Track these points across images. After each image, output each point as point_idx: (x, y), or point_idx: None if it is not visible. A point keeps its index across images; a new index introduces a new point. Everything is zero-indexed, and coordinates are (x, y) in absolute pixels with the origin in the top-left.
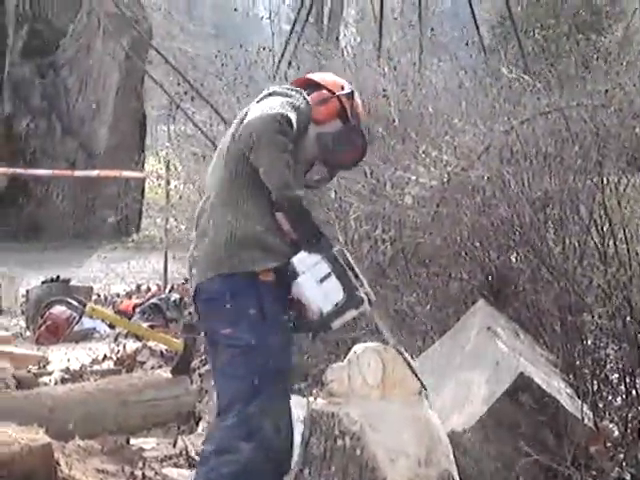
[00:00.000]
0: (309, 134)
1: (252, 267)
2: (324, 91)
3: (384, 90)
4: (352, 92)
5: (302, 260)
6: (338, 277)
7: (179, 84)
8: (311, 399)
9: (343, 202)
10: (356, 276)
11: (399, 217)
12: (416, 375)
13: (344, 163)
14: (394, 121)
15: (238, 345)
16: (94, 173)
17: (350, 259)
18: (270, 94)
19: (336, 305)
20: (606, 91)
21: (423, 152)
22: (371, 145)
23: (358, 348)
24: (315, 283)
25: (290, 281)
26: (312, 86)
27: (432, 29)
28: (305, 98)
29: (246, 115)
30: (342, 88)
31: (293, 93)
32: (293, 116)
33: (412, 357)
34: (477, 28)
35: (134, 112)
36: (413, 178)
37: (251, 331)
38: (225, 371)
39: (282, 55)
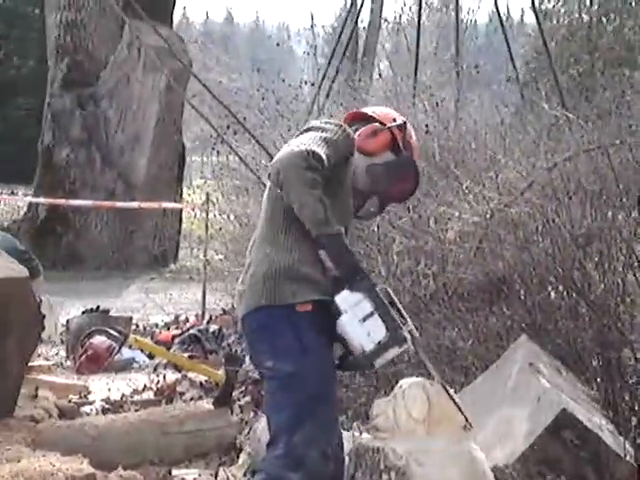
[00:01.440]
0: (359, 166)
1: (291, 299)
2: (375, 123)
3: (426, 125)
4: (404, 123)
5: (345, 299)
6: (380, 315)
7: (220, 117)
8: (356, 433)
9: (386, 237)
10: (399, 313)
11: (441, 252)
12: (461, 410)
13: (395, 195)
14: (435, 156)
15: (279, 377)
16: (134, 204)
17: (393, 296)
18: (307, 129)
19: (379, 344)
20: None
21: (465, 188)
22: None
23: (403, 383)
24: (357, 322)
25: (334, 318)
26: (364, 119)
27: (476, 66)
28: (345, 131)
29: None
30: (394, 120)
31: (330, 127)
32: (325, 151)
33: (455, 392)
34: (513, 63)
35: (173, 144)
36: (456, 214)
37: (291, 362)
38: (270, 402)
39: (319, 88)
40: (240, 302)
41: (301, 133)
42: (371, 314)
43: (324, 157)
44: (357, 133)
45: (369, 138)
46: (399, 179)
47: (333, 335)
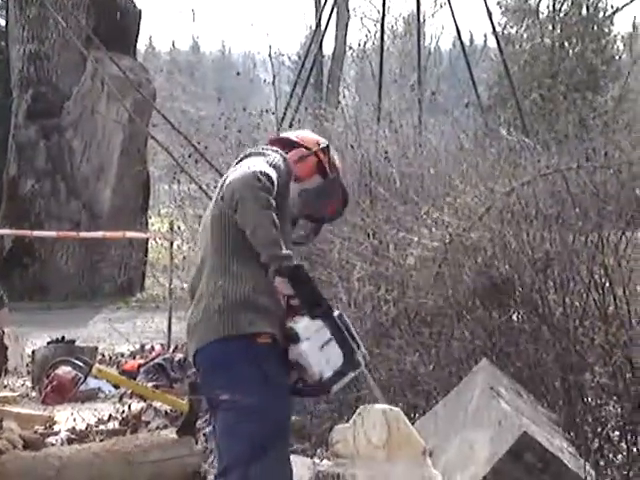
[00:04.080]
0: (291, 192)
1: (248, 329)
2: (301, 149)
3: (385, 152)
4: (327, 146)
5: (306, 327)
6: (338, 342)
7: (182, 147)
8: (317, 460)
9: (347, 263)
10: (353, 338)
11: (402, 278)
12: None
13: (328, 215)
14: (395, 182)
15: (237, 408)
16: (99, 234)
17: (347, 321)
18: (247, 155)
19: (337, 370)
20: (605, 153)
21: (425, 213)
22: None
23: (363, 409)
24: (317, 349)
25: (288, 345)
26: (288, 145)
27: (433, 92)
28: (282, 156)
29: (226, 179)
30: (318, 144)
31: (270, 152)
32: (273, 173)
33: (417, 417)
34: (475, 89)
35: (137, 174)
36: (415, 239)
37: (251, 393)
38: (225, 434)
39: (283, 117)
40: (192, 336)
41: (242, 159)
42: (330, 340)
43: (274, 179)
44: None
45: (297, 163)
46: (330, 200)
47: (288, 363)
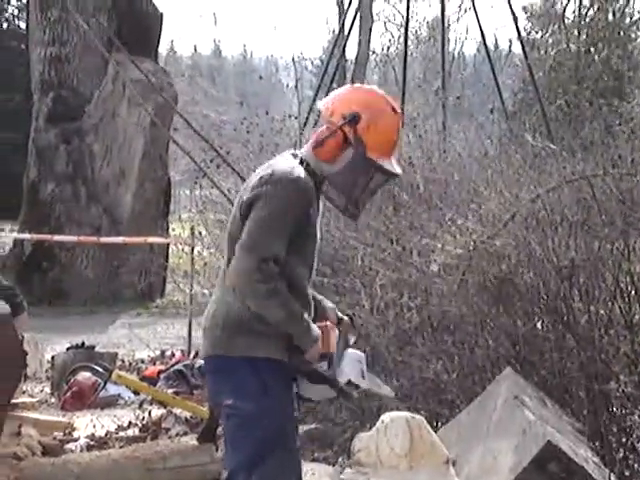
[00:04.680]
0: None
1: (246, 352)
2: (323, 129)
3: (409, 158)
4: (354, 116)
5: (305, 389)
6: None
7: (204, 151)
8: (339, 468)
9: (370, 270)
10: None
11: (425, 285)
12: None
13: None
14: (419, 188)
15: (239, 415)
16: (119, 239)
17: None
18: (257, 197)
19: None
20: (632, 160)
21: (449, 220)
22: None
23: (386, 417)
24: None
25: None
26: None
27: (458, 97)
28: (299, 186)
29: (245, 190)
30: (344, 117)
31: (281, 193)
32: (279, 234)
33: (440, 425)
34: (500, 94)
35: (158, 178)
36: (439, 246)
37: (251, 401)
38: (230, 440)
39: (305, 122)
40: (203, 340)
41: (253, 190)
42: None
43: (277, 249)
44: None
45: (318, 147)
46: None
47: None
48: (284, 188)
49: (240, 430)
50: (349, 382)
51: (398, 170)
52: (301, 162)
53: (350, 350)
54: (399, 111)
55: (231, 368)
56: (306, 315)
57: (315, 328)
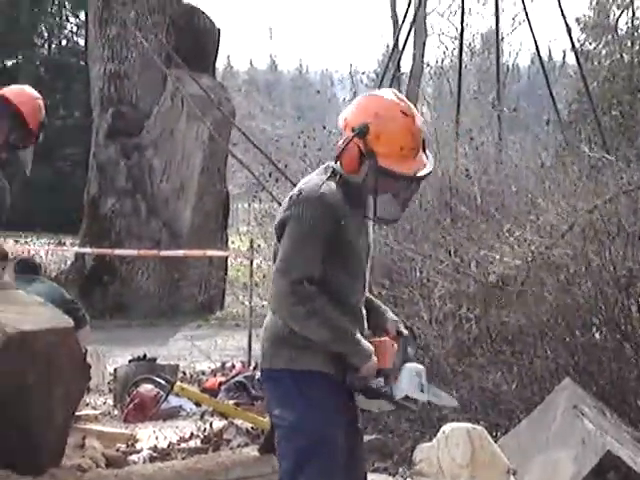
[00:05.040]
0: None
1: (289, 365)
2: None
3: (466, 169)
4: (363, 129)
5: (361, 402)
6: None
7: (263, 165)
8: (400, 478)
9: (428, 281)
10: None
11: (483, 296)
12: None
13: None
14: (476, 199)
15: (283, 425)
16: (179, 253)
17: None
18: (287, 219)
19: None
20: None
21: (507, 231)
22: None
23: (447, 428)
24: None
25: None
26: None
27: (514, 109)
28: (324, 202)
29: (279, 211)
30: (352, 129)
31: (309, 212)
32: (311, 253)
33: (497, 435)
34: (555, 105)
35: (217, 192)
36: (497, 257)
37: (291, 411)
38: (278, 449)
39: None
40: (261, 350)
41: (284, 212)
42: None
43: (310, 269)
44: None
45: (339, 160)
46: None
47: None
48: (310, 207)
49: (284, 440)
50: (406, 397)
51: (421, 172)
52: (334, 173)
53: (408, 364)
54: (410, 112)
55: (275, 379)
56: (355, 331)
57: (367, 344)
